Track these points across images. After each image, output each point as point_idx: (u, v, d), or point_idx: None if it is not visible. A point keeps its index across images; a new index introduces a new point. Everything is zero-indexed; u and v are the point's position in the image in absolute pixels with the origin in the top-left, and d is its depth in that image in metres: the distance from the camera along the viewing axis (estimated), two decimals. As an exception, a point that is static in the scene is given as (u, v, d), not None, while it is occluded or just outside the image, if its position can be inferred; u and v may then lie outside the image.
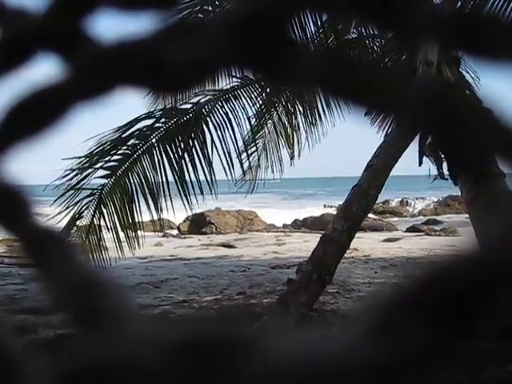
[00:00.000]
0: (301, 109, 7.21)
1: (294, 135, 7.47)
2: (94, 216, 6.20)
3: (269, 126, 7.43)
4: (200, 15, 6.41)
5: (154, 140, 6.28)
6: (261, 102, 6.93)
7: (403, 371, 0.22)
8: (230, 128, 6.57)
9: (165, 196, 6.39)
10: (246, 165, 7.35)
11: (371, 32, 6.55)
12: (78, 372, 0.22)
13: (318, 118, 7.17)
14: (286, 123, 7.33)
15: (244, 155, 7.12)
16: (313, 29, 6.16)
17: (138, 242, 6.38)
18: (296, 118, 7.32)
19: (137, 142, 6.27)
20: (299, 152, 7.62)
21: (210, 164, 6.44)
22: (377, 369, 0.22)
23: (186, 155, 6.33)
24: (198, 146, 6.39)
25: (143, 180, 6.28)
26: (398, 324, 0.22)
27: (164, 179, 6.35)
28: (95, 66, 0.27)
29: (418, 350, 0.22)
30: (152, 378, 0.22)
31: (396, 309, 0.22)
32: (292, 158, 7.66)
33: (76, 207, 6.10)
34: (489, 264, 0.23)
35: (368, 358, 0.22)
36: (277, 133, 7.46)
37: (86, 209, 6.17)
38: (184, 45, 0.26)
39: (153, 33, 0.27)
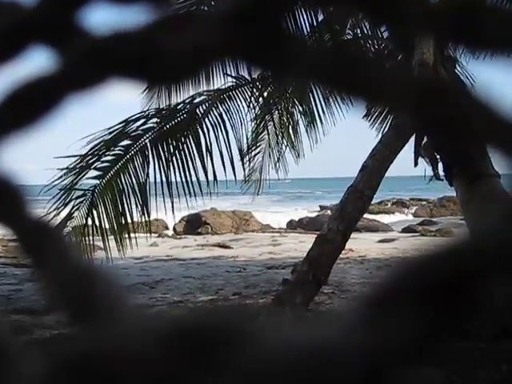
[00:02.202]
0: (300, 109, 7.19)
1: (293, 135, 7.45)
2: (87, 217, 6.17)
3: (267, 127, 7.39)
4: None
5: (147, 141, 6.26)
6: (257, 105, 6.90)
7: (395, 360, 0.22)
8: (224, 129, 6.55)
9: (157, 196, 6.36)
10: (242, 166, 7.34)
11: (367, 33, 6.57)
12: (69, 363, 0.22)
13: (317, 117, 7.15)
14: (286, 123, 7.30)
15: (241, 155, 7.10)
16: (308, 29, 6.16)
17: (130, 243, 6.35)
18: (295, 120, 7.31)
19: (130, 142, 6.24)
20: (298, 153, 7.61)
21: (204, 164, 6.43)
22: (369, 358, 0.21)
23: (179, 155, 6.31)
24: (192, 147, 6.37)
25: (135, 181, 6.26)
26: (389, 314, 0.22)
27: (160, 180, 6.33)
28: (88, 57, 0.26)
29: (407, 340, 0.22)
30: (142, 367, 0.22)
31: (388, 299, 0.22)
32: (298, 157, 7.62)
33: (68, 207, 6.08)
34: (479, 254, 0.23)
35: (360, 347, 0.21)
36: (268, 134, 7.42)
37: (77, 209, 6.15)
38: (178, 35, 0.25)
39: (147, 23, 0.26)
